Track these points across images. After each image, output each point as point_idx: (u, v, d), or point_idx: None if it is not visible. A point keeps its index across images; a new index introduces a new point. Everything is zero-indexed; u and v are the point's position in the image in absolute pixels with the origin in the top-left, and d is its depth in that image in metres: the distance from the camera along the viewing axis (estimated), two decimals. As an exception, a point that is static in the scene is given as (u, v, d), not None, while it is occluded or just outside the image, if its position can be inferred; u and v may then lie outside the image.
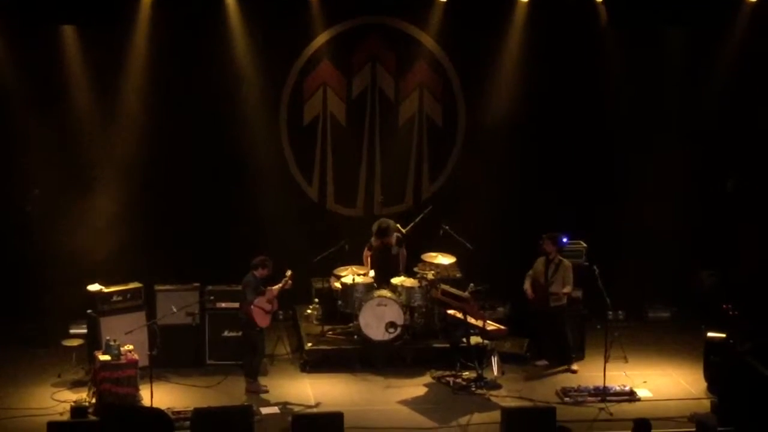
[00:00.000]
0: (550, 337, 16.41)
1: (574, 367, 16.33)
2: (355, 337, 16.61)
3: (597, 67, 18.34)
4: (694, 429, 13.41)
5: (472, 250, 17.05)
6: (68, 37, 17.23)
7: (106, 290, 15.94)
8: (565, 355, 16.38)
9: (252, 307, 15.35)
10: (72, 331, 16.90)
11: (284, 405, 15.04)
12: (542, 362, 16.51)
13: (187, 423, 14.14)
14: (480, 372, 15.77)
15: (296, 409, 14.87)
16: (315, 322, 17.33)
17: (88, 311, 15.96)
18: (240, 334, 15.84)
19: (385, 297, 16.44)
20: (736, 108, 18.45)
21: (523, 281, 16.50)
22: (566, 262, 16.31)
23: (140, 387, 14.95)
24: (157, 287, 16.37)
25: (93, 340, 15.74)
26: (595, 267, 15.81)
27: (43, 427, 13.76)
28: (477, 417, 14.78)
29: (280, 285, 15.66)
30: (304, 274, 17.39)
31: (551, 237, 16.32)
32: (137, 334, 15.39)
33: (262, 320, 15.53)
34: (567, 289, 16.19)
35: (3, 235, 17.26)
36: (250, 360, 15.63)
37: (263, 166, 18.17)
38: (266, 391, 15.51)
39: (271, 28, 17.75)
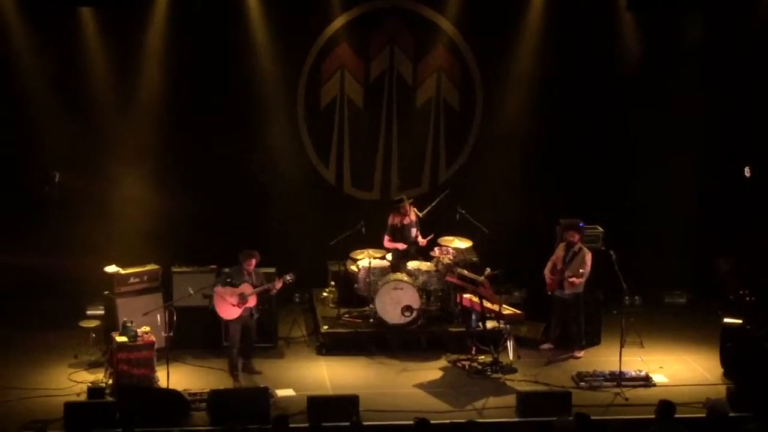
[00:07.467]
0: (561, 323, 16.38)
1: (579, 354, 16.29)
2: (371, 320, 16.62)
3: (615, 50, 18.29)
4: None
5: (488, 234, 17.04)
6: (86, 20, 17.25)
7: (123, 272, 15.96)
8: (573, 340, 16.33)
9: (214, 293, 15.31)
10: (89, 312, 16.89)
11: (299, 388, 15.05)
12: (547, 345, 16.49)
13: (204, 404, 14.23)
14: (496, 356, 15.77)
15: (311, 392, 14.87)
16: (331, 305, 17.35)
17: (105, 293, 16.00)
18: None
19: (402, 281, 16.44)
20: (753, 94, 18.37)
21: (545, 266, 16.38)
22: (586, 250, 16.15)
23: (157, 368, 14.96)
24: (174, 269, 16.40)
25: (110, 322, 15.78)
26: (612, 252, 15.77)
27: (60, 408, 13.92)
28: (492, 401, 14.77)
29: (263, 287, 15.43)
30: (321, 257, 17.43)
31: (573, 226, 16.21)
32: (154, 315, 15.42)
33: (225, 312, 15.36)
34: (582, 278, 16.06)
35: (22, 216, 17.30)
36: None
37: (280, 149, 18.17)
38: (259, 373, 15.50)
39: (289, 9, 17.73)
